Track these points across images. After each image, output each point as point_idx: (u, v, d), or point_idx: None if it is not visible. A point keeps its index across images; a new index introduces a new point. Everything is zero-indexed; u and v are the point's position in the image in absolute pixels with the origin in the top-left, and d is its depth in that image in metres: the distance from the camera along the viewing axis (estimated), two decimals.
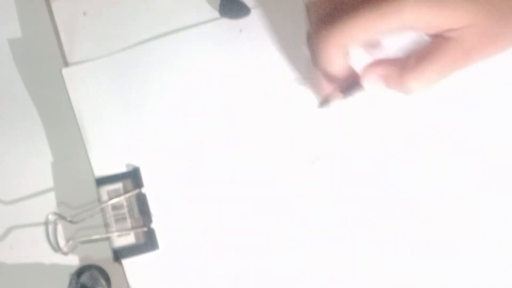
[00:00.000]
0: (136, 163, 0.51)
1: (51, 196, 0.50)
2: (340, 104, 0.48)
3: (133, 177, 0.50)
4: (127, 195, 0.49)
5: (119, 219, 0.49)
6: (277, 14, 0.54)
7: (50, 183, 0.51)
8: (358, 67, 0.46)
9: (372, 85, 0.46)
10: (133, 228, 0.49)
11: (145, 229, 0.49)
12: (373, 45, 0.48)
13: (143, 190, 0.50)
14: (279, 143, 0.52)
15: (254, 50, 0.53)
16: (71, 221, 0.49)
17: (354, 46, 0.44)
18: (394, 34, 0.43)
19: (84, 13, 0.53)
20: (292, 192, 0.51)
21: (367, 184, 0.51)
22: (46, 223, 0.50)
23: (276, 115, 0.52)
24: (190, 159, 0.51)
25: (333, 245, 0.50)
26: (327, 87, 0.47)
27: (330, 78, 0.46)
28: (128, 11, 0.54)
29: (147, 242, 0.49)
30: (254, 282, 0.49)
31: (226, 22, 0.53)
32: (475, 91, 0.52)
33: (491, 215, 0.50)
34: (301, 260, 0.50)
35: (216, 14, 0.53)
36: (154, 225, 0.50)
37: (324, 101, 0.48)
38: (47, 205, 0.50)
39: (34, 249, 0.50)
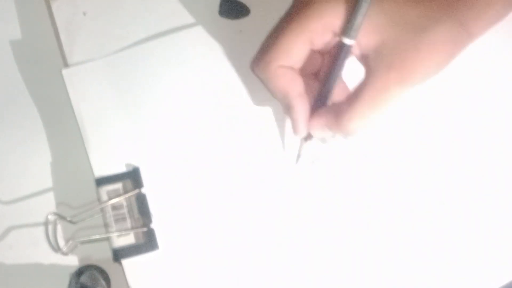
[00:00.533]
0: (136, 163, 0.51)
1: (51, 196, 0.50)
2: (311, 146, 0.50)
3: (133, 177, 0.50)
4: (127, 195, 0.50)
5: (119, 219, 0.49)
6: (277, 14, 0.54)
7: (50, 183, 0.51)
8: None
9: (320, 135, 0.48)
10: (133, 228, 0.49)
11: (145, 229, 0.49)
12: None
13: (143, 190, 0.50)
14: (279, 143, 0.52)
15: (254, 50, 0.53)
16: (71, 221, 0.49)
17: (293, 62, 0.45)
18: (324, 44, 0.45)
19: (84, 13, 0.53)
20: (292, 192, 0.51)
21: (366, 184, 0.51)
22: (46, 223, 0.50)
23: (276, 115, 0.52)
24: (190, 159, 0.51)
25: (332, 245, 0.50)
26: (296, 113, 0.47)
27: (286, 104, 0.47)
28: (128, 11, 0.54)
29: (147, 242, 0.49)
30: (254, 282, 0.49)
31: (226, 22, 0.53)
32: (473, 92, 0.52)
33: (488, 215, 0.51)
34: (300, 260, 0.50)
35: (216, 14, 0.53)
36: (154, 225, 0.50)
37: (298, 156, 0.50)
38: (47, 205, 0.50)
39: (34, 249, 0.50)
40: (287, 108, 0.47)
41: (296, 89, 0.46)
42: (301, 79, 0.46)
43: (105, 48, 0.53)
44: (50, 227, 0.49)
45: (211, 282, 0.49)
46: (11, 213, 0.50)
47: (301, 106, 0.46)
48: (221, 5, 0.53)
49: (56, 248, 0.49)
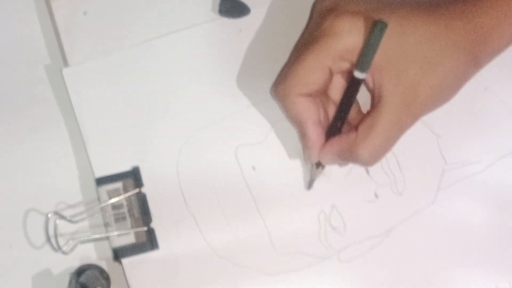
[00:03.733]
0: (136, 162, 0.51)
1: (51, 195, 0.50)
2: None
3: (133, 176, 0.50)
4: (127, 195, 0.49)
5: (119, 219, 0.49)
6: (277, 14, 0.54)
7: (50, 182, 0.51)
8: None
9: (329, 163, 0.49)
10: (133, 227, 0.49)
11: (145, 228, 0.49)
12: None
13: (143, 189, 0.50)
14: (279, 142, 0.52)
15: (254, 50, 0.53)
16: (71, 221, 0.49)
17: (311, 90, 0.46)
18: (339, 71, 0.46)
19: (84, 13, 0.53)
20: (292, 191, 0.51)
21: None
22: (46, 223, 0.49)
23: (276, 115, 0.52)
24: (190, 158, 0.51)
25: None
26: (311, 138, 0.47)
27: (301, 131, 0.48)
28: (128, 11, 0.54)
29: (147, 242, 0.49)
30: (253, 281, 0.49)
31: (226, 22, 0.53)
32: None
33: None
34: (301, 259, 0.50)
35: (216, 14, 0.54)
36: (154, 225, 0.49)
37: (310, 183, 0.50)
38: (47, 204, 0.50)
39: (34, 249, 0.50)
40: (302, 135, 0.48)
41: (312, 118, 0.47)
42: (317, 106, 0.47)
43: (105, 48, 0.53)
44: (50, 227, 0.49)
45: (211, 282, 0.49)
46: (11, 213, 0.50)
47: (316, 135, 0.47)
48: (221, 4, 0.53)
49: (56, 248, 0.49)
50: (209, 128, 0.52)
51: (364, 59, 0.43)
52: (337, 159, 0.47)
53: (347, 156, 0.46)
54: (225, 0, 0.53)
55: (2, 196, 0.50)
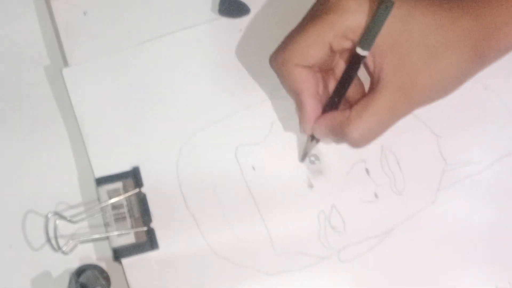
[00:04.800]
0: (136, 162, 0.51)
1: (51, 196, 0.50)
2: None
3: (133, 176, 0.50)
4: (127, 195, 0.49)
5: (119, 219, 0.49)
6: (277, 14, 0.54)
7: (50, 182, 0.51)
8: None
9: (321, 136, 0.48)
10: (133, 227, 0.49)
11: (145, 228, 0.49)
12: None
13: (143, 189, 0.50)
14: (279, 142, 0.52)
15: (254, 49, 0.53)
16: (71, 221, 0.49)
17: (310, 62, 0.46)
18: (340, 49, 0.45)
19: (84, 13, 0.53)
20: (292, 191, 0.51)
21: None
22: (46, 223, 0.49)
23: (276, 115, 0.52)
24: (190, 158, 0.51)
25: None
26: (307, 109, 0.47)
27: (298, 102, 0.48)
28: (128, 11, 0.54)
29: (147, 242, 0.49)
30: (253, 281, 0.49)
31: (226, 22, 0.53)
32: None
33: None
34: (300, 260, 0.50)
35: (216, 14, 0.54)
36: (154, 225, 0.49)
37: (304, 155, 0.50)
38: (47, 204, 0.50)
39: (34, 249, 0.50)
40: (298, 106, 0.48)
41: (309, 89, 0.46)
42: (315, 79, 0.47)
43: (105, 48, 0.53)
44: (50, 227, 0.49)
45: (211, 282, 0.49)
46: (11, 213, 0.50)
47: (311, 107, 0.47)
48: (221, 4, 0.53)
49: (56, 248, 0.49)
50: (209, 128, 0.52)
51: (367, 36, 0.43)
52: (329, 134, 0.47)
53: (339, 133, 0.46)
54: (225, 0, 0.53)
55: (2, 196, 0.50)
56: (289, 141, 0.52)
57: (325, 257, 0.50)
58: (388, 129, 0.45)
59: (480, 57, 0.45)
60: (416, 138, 0.50)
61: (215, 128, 0.52)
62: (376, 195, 0.51)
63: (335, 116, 0.46)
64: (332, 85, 0.48)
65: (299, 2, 0.53)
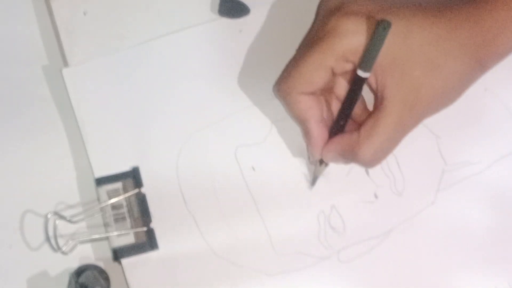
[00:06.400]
0: (136, 163, 0.51)
1: (51, 196, 0.50)
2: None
3: (132, 176, 0.50)
4: (126, 195, 0.49)
5: (119, 219, 0.49)
6: (277, 14, 0.54)
7: (49, 183, 0.51)
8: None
9: (332, 161, 0.49)
10: (132, 227, 0.49)
11: (145, 228, 0.49)
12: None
13: (143, 189, 0.50)
14: (279, 142, 0.52)
15: (254, 50, 0.53)
16: (70, 221, 0.49)
17: (314, 89, 0.46)
18: (342, 72, 0.46)
19: (84, 13, 0.53)
20: (292, 192, 0.51)
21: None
22: (45, 223, 0.49)
23: (276, 115, 0.52)
24: (189, 159, 0.51)
25: None
26: (314, 136, 0.48)
27: (304, 129, 0.48)
28: (128, 11, 0.54)
29: (147, 242, 0.49)
30: (253, 281, 0.49)
31: (226, 22, 0.53)
32: None
33: None
34: (300, 259, 0.50)
35: (216, 14, 0.53)
36: (153, 225, 0.49)
37: (314, 180, 0.50)
38: (47, 204, 0.50)
39: (33, 249, 0.50)
40: (305, 133, 0.48)
41: (315, 116, 0.47)
42: (320, 104, 0.47)
43: (105, 48, 0.53)
44: (49, 227, 0.49)
45: (211, 282, 0.49)
46: (10, 213, 0.50)
47: (318, 133, 0.47)
48: (221, 5, 0.53)
49: (56, 248, 0.49)
50: (209, 128, 0.52)
51: (367, 58, 0.43)
52: (340, 158, 0.47)
53: (349, 156, 0.46)
54: (225, 1, 0.53)
55: (2, 196, 0.50)
56: (289, 142, 0.52)
57: (325, 258, 0.50)
58: (398, 145, 0.46)
59: (480, 64, 0.45)
60: (415, 139, 0.50)
61: (215, 128, 0.52)
62: (376, 196, 0.51)
63: (343, 139, 0.47)
64: (334, 105, 0.48)
65: (299, 2, 0.53)
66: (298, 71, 0.46)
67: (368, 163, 0.46)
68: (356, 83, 0.45)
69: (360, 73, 0.44)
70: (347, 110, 0.47)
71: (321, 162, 0.49)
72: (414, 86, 0.44)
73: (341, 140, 0.47)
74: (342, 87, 0.48)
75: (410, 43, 0.44)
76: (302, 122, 0.48)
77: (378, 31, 0.42)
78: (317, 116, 0.47)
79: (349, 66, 0.45)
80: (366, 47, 0.44)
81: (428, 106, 0.45)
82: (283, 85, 0.47)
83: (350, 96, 0.46)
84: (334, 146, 0.47)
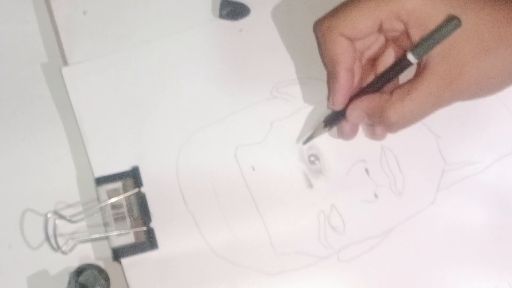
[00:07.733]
0: (136, 162, 0.51)
1: (51, 195, 0.50)
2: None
3: (132, 176, 0.50)
4: (126, 194, 0.49)
5: (119, 219, 0.49)
6: (277, 14, 0.54)
7: (49, 182, 0.51)
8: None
9: (356, 119, 0.48)
10: (132, 227, 0.49)
11: (145, 228, 0.49)
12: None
13: (143, 189, 0.50)
14: (279, 142, 0.52)
15: (254, 50, 0.53)
16: (70, 221, 0.49)
17: (356, 35, 0.45)
18: (389, 29, 0.44)
19: (84, 12, 0.54)
20: (292, 191, 0.51)
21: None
22: (45, 222, 0.49)
23: (276, 115, 0.52)
24: (189, 158, 0.51)
25: None
26: (338, 85, 0.47)
27: (333, 73, 0.47)
28: (128, 11, 0.54)
29: (147, 242, 0.49)
30: (253, 281, 0.49)
31: (226, 22, 0.54)
32: None
33: None
34: (300, 260, 0.50)
35: (216, 14, 0.54)
36: (153, 225, 0.49)
37: (308, 139, 0.50)
38: (47, 204, 0.50)
39: (33, 249, 0.49)
40: (331, 78, 0.47)
41: (346, 62, 0.46)
42: (354, 55, 0.46)
43: (105, 47, 0.53)
44: (49, 226, 0.49)
45: (211, 282, 0.49)
46: (10, 213, 0.50)
47: (345, 80, 0.46)
48: (221, 5, 0.53)
49: (56, 247, 0.49)
50: (209, 128, 0.52)
51: (424, 46, 0.43)
52: (365, 116, 0.47)
53: (376, 115, 0.46)
54: (225, 1, 0.53)
55: (1, 195, 0.50)
56: (289, 141, 0.52)
57: (324, 257, 0.50)
58: (426, 117, 0.45)
59: None
60: (416, 138, 0.50)
61: (214, 128, 0.52)
62: (376, 195, 0.51)
63: (374, 98, 0.46)
64: (366, 66, 0.48)
65: (299, 2, 0.53)
66: (347, 12, 0.45)
67: (393, 125, 0.46)
68: (401, 64, 0.45)
69: (411, 57, 0.43)
70: (381, 83, 0.46)
71: (326, 124, 0.49)
72: (460, 63, 0.43)
73: (371, 99, 0.46)
74: (382, 61, 0.47)
75: (465, 21, 0.43)
76: (332, 65, 0.47)
77: (446, 26, 0.42)
78: (349, 63, 0.46)
79: (398, 26, 0.45)
80: (427, 35, 0.43)
81: (468, 86, 0.44)
82: (327, 22, 0.46)
83: (389, 72, 0.46)
84: (363, 104, 0.46)
